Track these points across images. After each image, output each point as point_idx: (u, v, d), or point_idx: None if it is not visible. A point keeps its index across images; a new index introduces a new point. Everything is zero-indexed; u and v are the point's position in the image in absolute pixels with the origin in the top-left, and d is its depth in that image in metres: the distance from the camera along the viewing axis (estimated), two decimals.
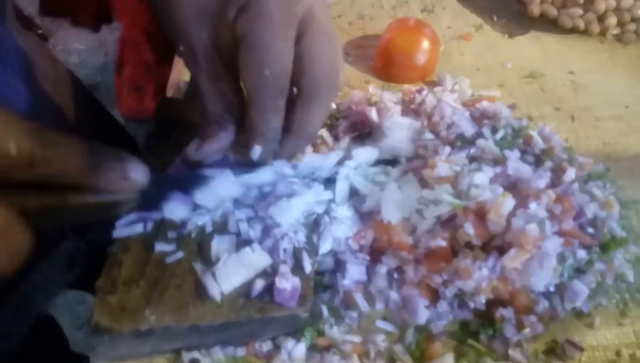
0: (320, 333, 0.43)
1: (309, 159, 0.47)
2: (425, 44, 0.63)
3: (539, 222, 0.42)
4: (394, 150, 0.51)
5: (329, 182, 0.47)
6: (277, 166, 0.45)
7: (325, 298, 0.45)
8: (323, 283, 0.46)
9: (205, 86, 0.42)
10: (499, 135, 0.52)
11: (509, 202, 0.43)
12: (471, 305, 0.43)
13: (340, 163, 0.48)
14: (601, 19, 0.69)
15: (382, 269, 0.45)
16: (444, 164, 0.48)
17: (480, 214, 0.44)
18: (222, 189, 0.44)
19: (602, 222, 0.47)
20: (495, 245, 0.44)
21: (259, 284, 0.42)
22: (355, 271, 0.45)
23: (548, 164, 0.50)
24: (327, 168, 0.48)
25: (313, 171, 0.48)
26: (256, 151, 0.42)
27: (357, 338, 0.43)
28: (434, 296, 0.44)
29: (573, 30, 0.70)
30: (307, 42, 0.40)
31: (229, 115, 0.42)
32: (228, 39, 0.41)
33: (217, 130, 0.42)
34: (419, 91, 0.57)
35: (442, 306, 0.44)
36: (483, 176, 0.47)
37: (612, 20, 0.68)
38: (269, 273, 0.42)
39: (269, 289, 0.42)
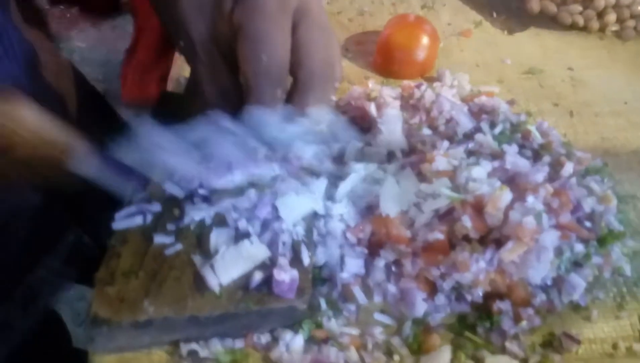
0: (318, 326, 0.43)
1: (255, 115, 0.43)
2: (425, 40, 0.63)
3: (536, 215, 0.42)
4: (389, 144, 0.51)
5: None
6: (215, 118, 0.42)
7: (324, 291, 0.46)
8: (321, 276, 0.46)
9: (204, 79, 0.42)
10: (497, 130, 0.52)
11: (506, 195, 0.44)
12: (468, 297, 0.43)
13: (290, 120, 0.44)
14: (600, 15, 0.69)
15: (380, 262, 0.45)
16: (442, 158, 0.48)
17: (478, 208, 0.44)
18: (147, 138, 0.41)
19: (599, 216, 0.47)
20: (492, 238, 0.44)
21: (258, 276, 0.42)
22: (353, 265, 0.46)
23: (546, 158, 0.50)
24: (274, 127, 0.44)
25: (257, 129, 0.44)
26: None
27: (355, 331, 0.43)
28: (432, 289, 0.44)
29: (572, 27, 0.70)
30: (301, 33, 0.41)
31: (228, 107, 0.42)
32: (226, 31, 0.41)
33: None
34: (418, 86, 0.57)
35: (440, 299, 0.44)
36: (481, 170, 0.47)
37: (611, 16, 0.68)
38: (268, 266, 0.42)
39: (268, 281, 0.42)
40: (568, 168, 0.49)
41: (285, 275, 0.41)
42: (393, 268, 0.45)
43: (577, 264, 0.45)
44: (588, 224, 0.47)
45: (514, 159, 0.48)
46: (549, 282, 0.44)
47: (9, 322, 0.49)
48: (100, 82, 1.69)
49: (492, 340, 0.43)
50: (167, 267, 0.42)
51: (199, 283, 0.41)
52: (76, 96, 0.60)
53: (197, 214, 0.44)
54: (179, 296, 0.41)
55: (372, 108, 0.55)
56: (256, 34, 0.39)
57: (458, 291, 0.44)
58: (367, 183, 0.48)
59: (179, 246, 0.43)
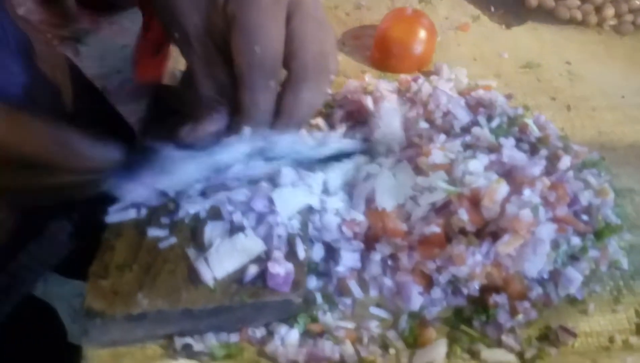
0: (314, 320, 0.43)
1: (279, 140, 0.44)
2: (422, 34, 0.63)
3: (532, 208, 0.42)
4: (386, 138, 0.51)
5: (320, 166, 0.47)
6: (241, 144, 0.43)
7: (319, 285, 0.45)
8: (317, 270, 0.46)
9: (199, 70, 0.42)
10: (495, 123, 0.52)
11: (503, 188, 0.43)
12: (465, 291, 0.43)
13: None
14: (598, 10, 0.69)
15: (376, 256, 0.45)
16: (438, 152, 0.48)
17: (475, 201, 0.44)
18: (185, 172, 0.43)
19: (596, 209, 0.47)
20: (489, 231, 0.43)
21: (252, 270, 0.42)
22: (349, 259, 0.45)
23: (543, 152, 0.50)
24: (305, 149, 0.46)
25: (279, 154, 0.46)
26: (245, 133, 0.42)
27: (350, 325, 0.43)
28: (428, 282, 0.44)
29: (570, 21, 0.70)
30: (295, 24, 0.41)
31: (222, 99, 0.42)
32: (220, 23, 0.41)
33: (210, 113, 0.42)
34: (415, 80, 0.57)
35: (436, 292, 0.44)
36: (478, 164, 0.47)
37: (609, 11, 0.68)
38: (263, 259, 0.42)
39: (262, 275, 0.41)
40: (565, 161, 0.49)
41: (280, 268, 0.41)
42: (389, 262, 0.45)
43: (573, 257, 0.45)
44: (585, 217, 0.46)
45: (510, 152, 0.48)
46: (545, 275, 0.44)
47: None
48: (98, 77, 1.69)
49: (488, 334, 0.42)
50: (161, 260, 0.42)
51: (193, 277, 0.41)
52: (72, 88, 0.59)
53: (191, 207, 0.44)
54: (173, 289, 0.40)
55: (368, 102, 0.55)
56: (250, 25, 0.39)
57: (454, 285, 0.44)
58: (363, 176, 0.48)
59: (173, 240, 0.43)
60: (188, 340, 0.42)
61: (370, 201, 0.46)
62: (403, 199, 0.46)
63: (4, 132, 0.29)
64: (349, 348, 0.42)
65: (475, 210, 0.44)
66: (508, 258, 0.43)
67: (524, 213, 0.42)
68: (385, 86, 0.57)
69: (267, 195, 0.44)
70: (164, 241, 0.43)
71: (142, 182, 0.42)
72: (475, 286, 0.43)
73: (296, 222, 0.44)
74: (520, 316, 0.42)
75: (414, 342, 0.42)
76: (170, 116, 0.47)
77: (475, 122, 0.52)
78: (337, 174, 0.48)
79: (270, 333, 0.42)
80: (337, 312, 0.44)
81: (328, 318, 0.43)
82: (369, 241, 0.46)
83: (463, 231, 0.44)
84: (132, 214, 0.44)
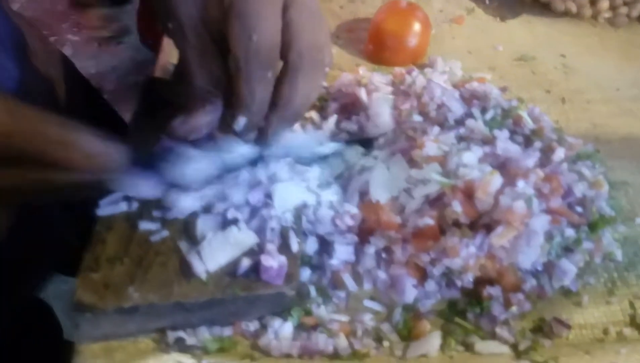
0: (308, 313, 0.43)
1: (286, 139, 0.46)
2: (417, 27, 0.63)
3: (526, 199, 0.42)
4: (377, 127, 0.51)
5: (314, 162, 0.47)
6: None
7: (313, 278, 0.45)
8: (311, 263, 0.46)
9: (193, 61, 0.42)
10: (489, 115, 0.52)
11: (496, 180, 0.43)
12: (459, 283, 0.43)
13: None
14: (593, 2, 0.69)
15: (370, 249, 0.45)
16: (432, 144, 0.48)
17: (469, 193, 0.44)
18: (199, 170, 0.43)
19: (590, 201, 0.47)
20: (483, 223, 0.43)
21: (245, 263, 0.41)
22: (343, 252, 0.45)
23: (537, 144, 0.50)
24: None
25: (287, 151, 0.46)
26: (240, 123, 0.42)
27: (344, 318, 0.43)
28: (422, 275, 0.44)
29: (565, 14, 0.69)
30: (291, 15, 0.40)
31: (216, 90, 0.42)
32: (216, 14, 0.41)
33: (203, 104, 0.42)
34: (409, 72, 0.57)
35: (430, 285, 0.43)
36: (472, 156, 0.47)
37: (604, 3, 0.68)
38: (256, 252, 0.42)
39: (255, 268, 0.41)
40: (559, 153, 0.48)
41: (273, 261, 0.41)
42: (383, 255, 0.45)
43: (567, 249, 0.45)
44: (579, 209, 0.46)
45: (504, 144, 0.48)
46: (539, 267, 0.44)
47: None
48: (92, 75, 1.68)
49: (482, 326, 0.42)
50: (152, 253, 0.41)
51: (185, 270, 0.41)
52: (65, 84, 0.59)
53: (184, 202, 0.44)
54: (165, 282, 0.40)
55: (362, 94, 0.55)
56: (247, 13, 0.39)
57: (448, 277, 0.43)
58: (357, 169, 0.48)
59: (165, 233, 0.43)
60: (181, 333, 0.41)
61: (364, 194, 0.46)
62: (397, 191, 0.46)
63: (7, 122, 0.29)
64: (342, 341, 0.41)
65: (469, 202, 0.43)
66: (502, 250, 0.42)
67: (517, 204, 0.42)
68: (380, 78, 0.57)
69: (264, 189, 0.44)
70: (156, 234, 0.42)
71: (150, 182, 0.42)
72: (469, 279, 0.43)
73: (290, 215, 0.44)
74: (514, 309, 0.42)
75: (408, 335, 0.42)
76: (162, 109, 0.47)
77: (469, 115, 0.52)
78: (331, 167, 0.48)
79: (264, 327, 0.42)
80: (331, 305, 0.44)
81: (322, 311, 0.43)
82: (363, 234, 0.45)
83: (457, 224, 0.44)
84: (123, 207, 0.43)
